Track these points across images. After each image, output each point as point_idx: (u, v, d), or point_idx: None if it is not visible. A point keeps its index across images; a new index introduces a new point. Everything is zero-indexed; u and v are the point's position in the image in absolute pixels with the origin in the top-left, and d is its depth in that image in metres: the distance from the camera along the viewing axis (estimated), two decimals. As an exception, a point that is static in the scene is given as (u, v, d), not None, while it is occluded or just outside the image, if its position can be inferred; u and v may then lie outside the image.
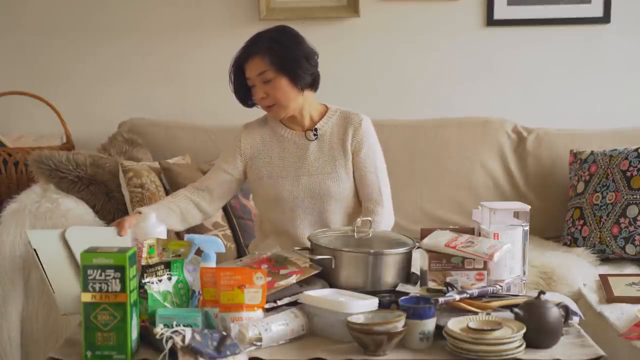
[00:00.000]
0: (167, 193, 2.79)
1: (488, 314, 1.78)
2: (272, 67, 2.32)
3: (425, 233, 2.05)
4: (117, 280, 1.65)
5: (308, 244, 2.09)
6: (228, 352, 1.62)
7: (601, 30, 3.44)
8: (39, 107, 3.30)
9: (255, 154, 2.44)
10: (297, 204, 2.37)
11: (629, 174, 2.92)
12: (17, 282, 2.49)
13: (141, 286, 1.78)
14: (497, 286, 1.90)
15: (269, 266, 2.00)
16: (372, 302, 1.80)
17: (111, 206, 2.79)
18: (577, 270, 2.72)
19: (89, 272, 1.65)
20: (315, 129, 2.43)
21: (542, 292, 1.78)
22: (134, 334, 1.69)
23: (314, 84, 2.42)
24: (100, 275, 1.65)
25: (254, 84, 2.36)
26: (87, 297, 1.66)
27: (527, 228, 2.03)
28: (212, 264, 1.95)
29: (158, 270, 1.83)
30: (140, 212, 2.19)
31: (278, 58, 2.32)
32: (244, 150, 2.44)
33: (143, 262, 1.80)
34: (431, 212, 3.17)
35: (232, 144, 2.48)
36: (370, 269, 1.97)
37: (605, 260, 2.92)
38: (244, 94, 2.42)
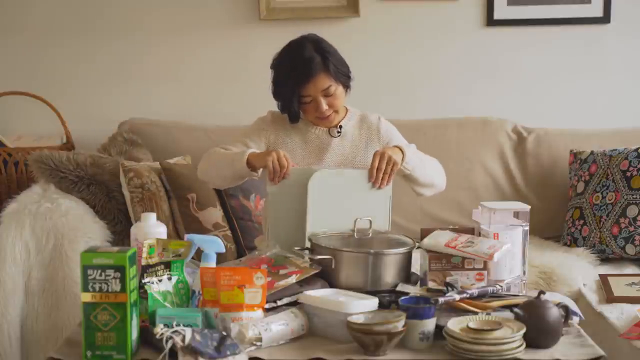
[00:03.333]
0: (167, 193, 2.80)
1: (488, 314, 1.78)
2: (334, 80, 2.41)
3: (425, 233, 2.05)
4: (117, 280, 1.65)
5: None
6: (228, 352, 1.62)
7: (601, 30, 3.44)
8: (39, 107, 3.30)
9: (278, 139, 2.50)
10: None
11: (628, 174, 2.92)
12: (17, 282, 2.49)
13: (141, 286, 1.78)
14: (497, 286, 1.90)
15: (269, 266, 2.00)
16: (372, 302, 1.80)
17: (111, 206, 2.79)
18: (577, 270, 2.72)
19: (89, 272, 1.65)
20: (340, 126, 2.51)
21: (542, 292, 1.78)
22: (134, 334, 1.69)
23: None
24: (100, 275, 1.65)
25: (313, 99, 2.42)
26: (87, 297, 1.65)
27: (527, 228, 2.03)
28: (212, 264, 1.95)
29: (158, 270, 1.83)
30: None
31: (335, 68, 2.42)
32: (269, 132, 2.50)
33: (143, 262, 1.80)
34: (431, 212, 3.17)
35: (257, 124, 2.54)
36: (370, 269, 1.97)
37: (605, 260, 2.92)
38: (296, 113, 2.48)
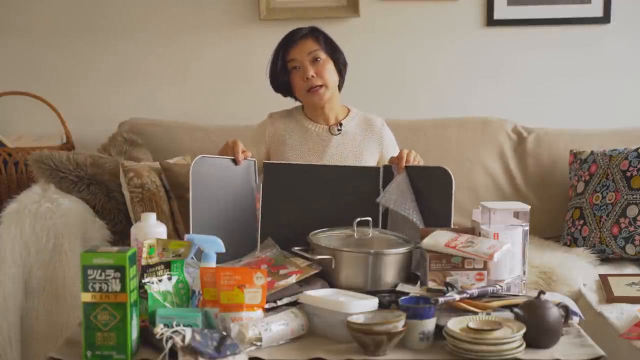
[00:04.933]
0: (168, 193, 2.80)
1: (488, 314, 1.78)
2: (322, 48, 2.50)
3: (425, 233, 2.05)
4: (117, 280, 1.65)
5: None
6: (228, 352, 1.62)
7: (601, 30, 3.44)
8: (39, 107, 3.30)
9: (279, 140, 2.57)
10: None
11: (629, 174, 2.92)
12: (17, 281, 2.49)
13: (141, 286, 1.78)
14: (497, 286, 1.90)
15: (269, 266, 2.00)
16: (372, 302, 1.80)
17: (111, 206, 2.79)
18: (577, 270, 2.72)
19: (89, 272, 1.65)
20: (340, 124, 2.57)
21: (542, 292, 1.78)
22: (134, 334, 1.69)
23: (343, 80, 2.59)
24: (100, 275, 1.65)
25: (300, 64, 2.49)
26: (87, 297, 1.65)
27: (527, 228, 2.03)
28: (212, 264, 1.95)
29: (158, 270, 1.83)
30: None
31: (325, 42, 2.52)
32: (267, 135, 2.58)
33: (143, 262, 1.80)
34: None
35: (256, 130, 2.63)
36: (370, 269, 1.98)
37: (605, 260, 2.92)
38: (286, 84, 2.55)
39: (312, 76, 2.47)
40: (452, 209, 2.20)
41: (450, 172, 2.21)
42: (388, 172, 2.33)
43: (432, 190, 2.24)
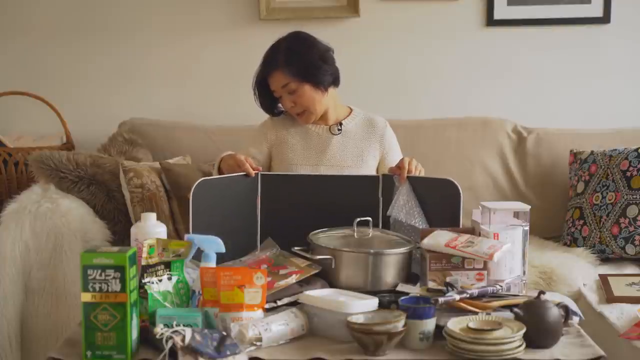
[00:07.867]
0: (168, 193, 2.80)
1: (488, 314, 1.78)
2: (294, 78, 2.45)
3: (425, 233, 2.05)
4: (117, 280, 1.65)
5: None
6: (228, 352, 1.62)
7: (601, 30, 3.44)
8: (39, 107, 3.30)
9: (280, 140, 2.57)
10: None
11: (629, 174, 2.92)
12: (17, 281, 2.49)
13: (141, 286, 1.78)
14: (497, 286, 1.90)
15: (269, 266, 2.00)
16: (372, 302, 1.80)
17: (111, 206, 2.79)
18: (577, 270, 2.72)
19: (89, 272, 1.65)
20: (340, 123, 2.57)
21: (542, 292, 1.78)
22: (134, 334, 1.69)
23: (335, 81, 2.54)
24: (101, 275, 1.65)
25: (279, 95, 2.50)
26: (87, 297, 1.66)
27: (527, 228, 2.03)
28: (212, 264, 1.95)
29: (158, 270, 1.83)
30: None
31: (297, 68, 2.44)
32: (269, 135, 2.58)
33: (143, 262, 1.80)
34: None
35: (258, 130, 2.63)
36: (370, 269, 1.98)
37: (605, 260, 2.92)
38: (270, 105, 2.57)
39: (292, 106, 2.50)
40: (461, 221, 2.19)
41: (457, 184, 2.21)
42: (387, 180, 2.32)
43: (439, 202, 2.23)
